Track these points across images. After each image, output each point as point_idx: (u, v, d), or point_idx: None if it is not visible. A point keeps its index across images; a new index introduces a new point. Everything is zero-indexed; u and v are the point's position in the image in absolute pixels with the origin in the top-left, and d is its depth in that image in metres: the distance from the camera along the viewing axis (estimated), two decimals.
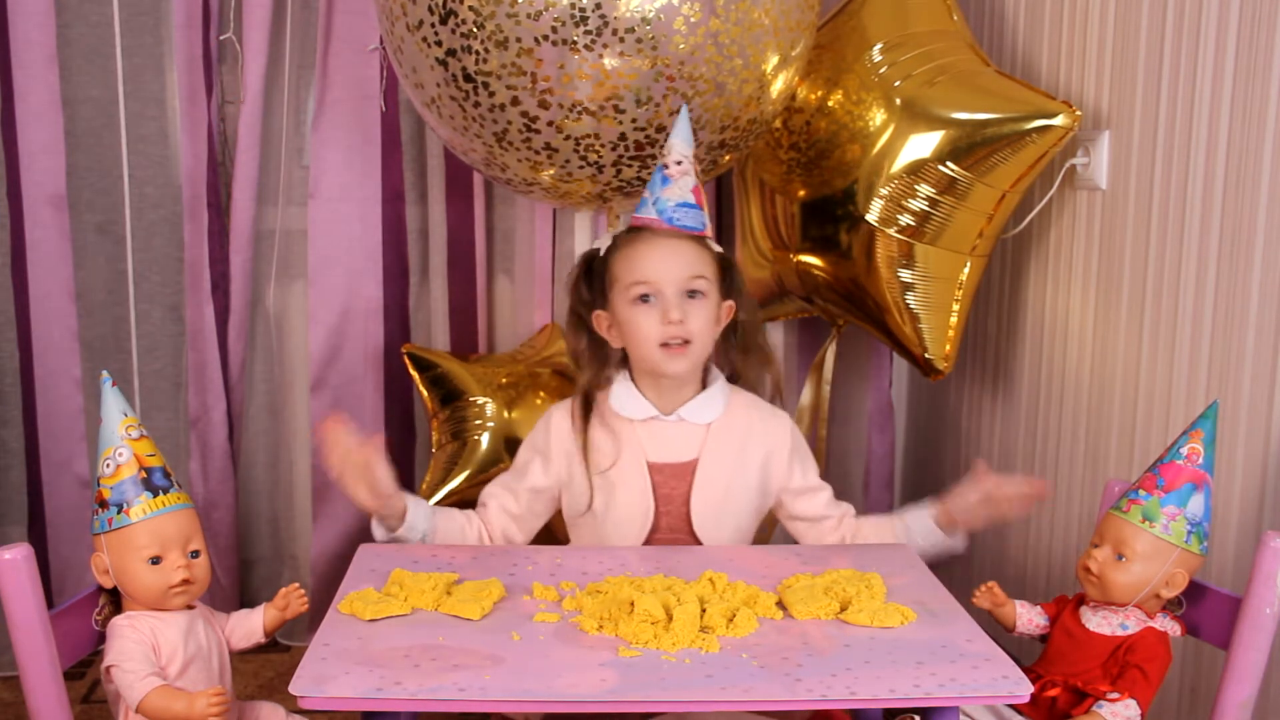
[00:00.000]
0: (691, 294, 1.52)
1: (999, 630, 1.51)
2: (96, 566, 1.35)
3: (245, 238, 2.25)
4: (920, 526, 1.58)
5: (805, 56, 1.85)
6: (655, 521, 1.57)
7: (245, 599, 2.41)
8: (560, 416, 1.60)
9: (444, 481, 2.04)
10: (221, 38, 2.22)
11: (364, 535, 2.24)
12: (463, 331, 2.38)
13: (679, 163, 1.54)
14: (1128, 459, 1.84)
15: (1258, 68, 1.55)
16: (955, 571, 2.38)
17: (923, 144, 1.86)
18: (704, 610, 1.24)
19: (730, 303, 1.58)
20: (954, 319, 1.97)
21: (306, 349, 2.33)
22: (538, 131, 1.70)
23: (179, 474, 1.92)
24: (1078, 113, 1.80)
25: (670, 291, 1.50)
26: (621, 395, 1.57)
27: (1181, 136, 1.69)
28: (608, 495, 1.56)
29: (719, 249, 1.58)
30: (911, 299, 1.95)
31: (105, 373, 1.39)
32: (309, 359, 2.32)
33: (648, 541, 1.57)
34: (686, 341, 1.51)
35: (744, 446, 1.58)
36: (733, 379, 1.63)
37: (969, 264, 1.95)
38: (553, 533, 2.09)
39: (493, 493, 1.62)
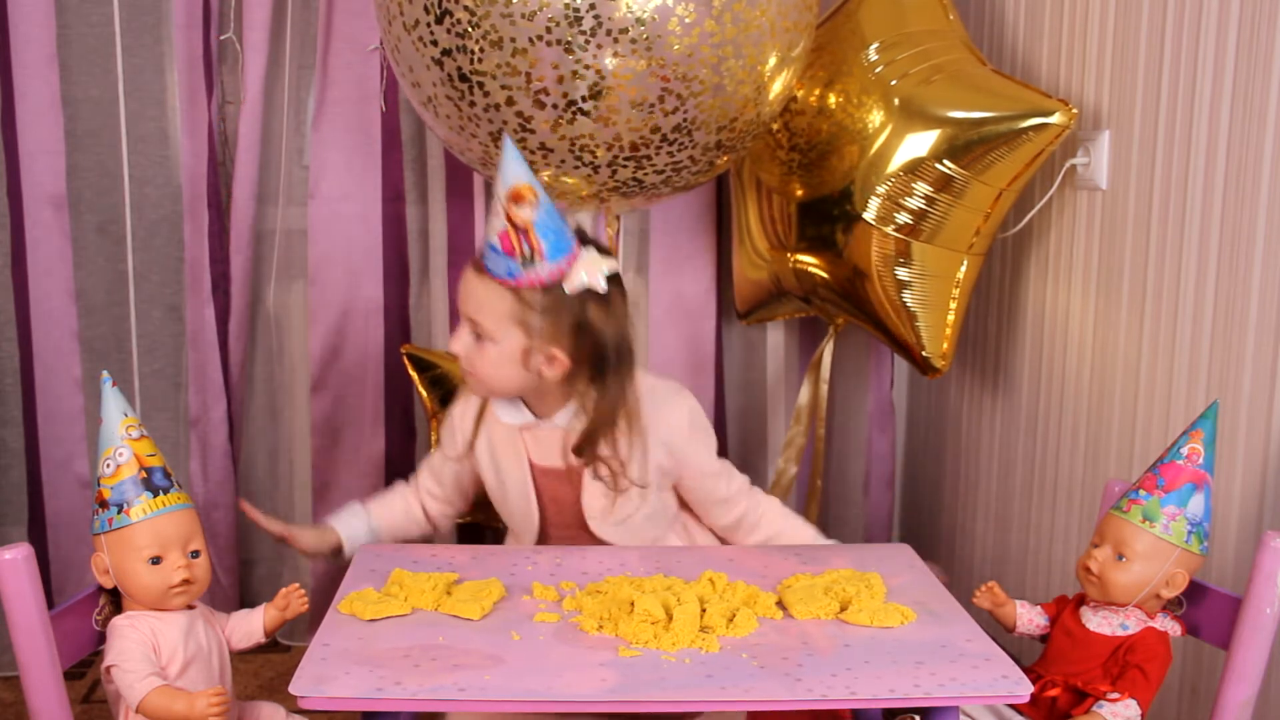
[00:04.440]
0: (478, 335, 1.45)
1: (999, 630, 1.51)
2: (96, 566, 1.35)
3: (245, 238, 2.25)
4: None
5: (804, 58, 1.85)
6: (543, 523, 1.58)
7: (245, 599, 2.41)
8: (464, 403, 1.61)
9: None
10: (221, 38, 2.23)
11: None
12: None
13: (498, 199, 1.40)
14: (1128, 459, 1.84)
15: (1258, 67, 1.55)
16: (955, 571, 2.38)
17: (919, 142, 1.86)
18: (704, 610, 1.24)
19: (557, 352, 1.44)
20: (951, 317, 1.98)
21: (306, 349, 2.33)
22: (533, 131, 1.70)
23: (179, 474, 1.92)
24: (1074, 110, 1.80)
25: (463, 323, 1.47)
26: (502, 401, 1.55)
27: (1181, 136, 1.69)
28: (501, 492, 1.58)
29: (545, 296, 1.42)
30: (909, 297, 1.95)
31: (105, 373, 1.39)
32: (309, 359, 2.32)
33: (541, 539, 1.59)
34: (469, 372, 1.48)
35: (635, 447, 1.52)
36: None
37: (966, 262, 1.96)
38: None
39: (422, 471, 1.68)
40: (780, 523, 1.63)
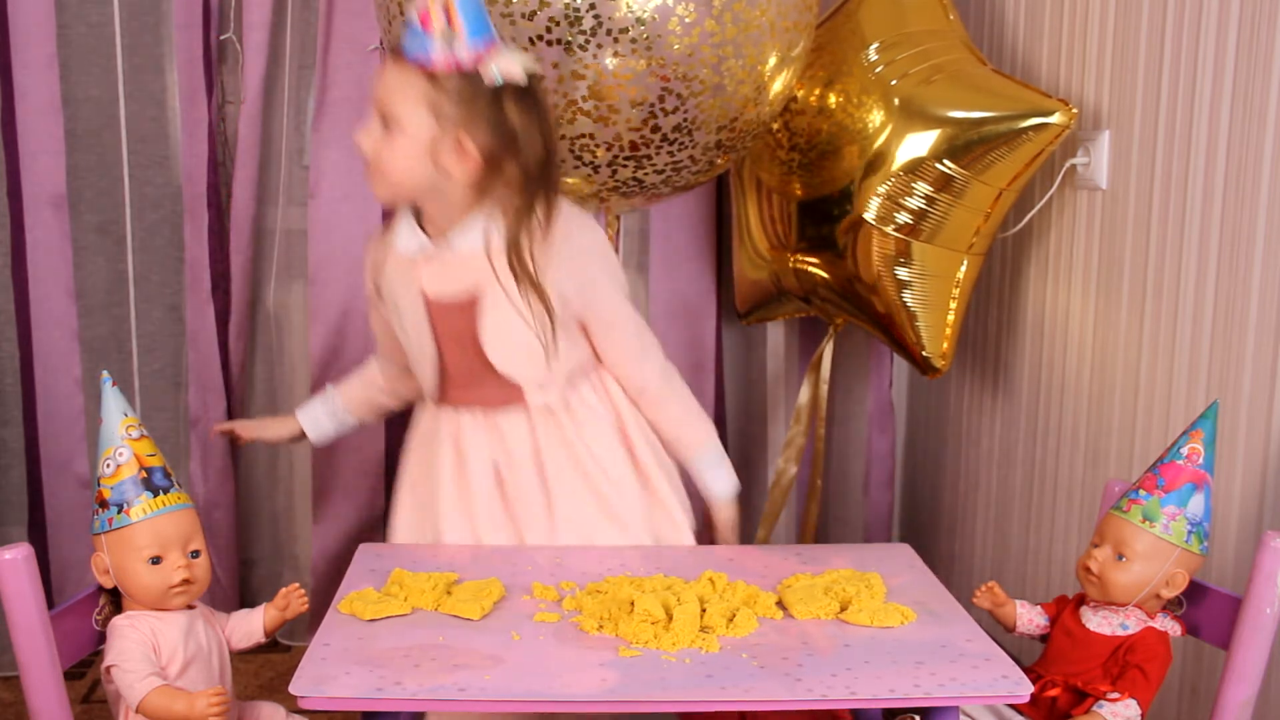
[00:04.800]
0: (387, 125, 1.39)
1: (999, 630, 1.51)
2: (96, 566, 1.35)
3: (245, 238, 2.25)
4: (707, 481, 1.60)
5: (804, 58, 1.85)
6: (442, 363, 1.51)
7: (245, 599, 2.41)
8: (373, 246, 1.58)
9: None
10: (222, 38, 2.23)
11: (364, 535, 2.25)
12: None
13: None
14: (1128, 459, 1.84)
15: (1258, 68, 1.55)
16: (955, 571, 2.39)
17: (920, 142, 1.86)
18: (704, 610, 1.24)
19: (466, 140, 1.38)
20: (951, 317, 1.98)
21: (306, 349, 2.33)
22: None
23: (179, 474, 1.92)
24: (1074, 110, 1.80)
25: (373, 115, 1.40)
26: (401, 229, 1.50)
27: (1181, 136, 1.69)
28: (404, 335, 1.54)
29: (460, 81, 1.38)
30: (909, 297, 1.95)
31: (105, 373, 1.39)
32: (309, 359, 2.32)
33: (442, 384, 1.53)
34: (372, 167, 1.42)
35: (542, 265, 1.44)
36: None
37: (966, 262, 1.96)
38: None
39: (369, 362, 1.72)
40: (677, 430, 1.58)
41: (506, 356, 1.48)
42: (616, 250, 2.11)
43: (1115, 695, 1.36)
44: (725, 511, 1.62)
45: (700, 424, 1.61)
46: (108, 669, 1.30)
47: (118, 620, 1.33)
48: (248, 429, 1.77)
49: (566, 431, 1.52)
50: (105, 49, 2.21)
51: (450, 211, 1.45)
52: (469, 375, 1.51)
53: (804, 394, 2.29)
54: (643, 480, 1.56)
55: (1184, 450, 1.39)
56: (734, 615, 1.24)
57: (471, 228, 1.44)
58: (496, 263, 1.43)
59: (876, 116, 1.90)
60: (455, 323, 1.48)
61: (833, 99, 1.96)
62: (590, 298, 1.49)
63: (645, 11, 1.60)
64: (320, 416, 1.73)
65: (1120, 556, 1.39)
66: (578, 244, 1.47)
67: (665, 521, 1.57)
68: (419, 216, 1.49)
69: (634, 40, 1.61)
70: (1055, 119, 1.79)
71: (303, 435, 1.73)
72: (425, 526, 1.55)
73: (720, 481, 1.61)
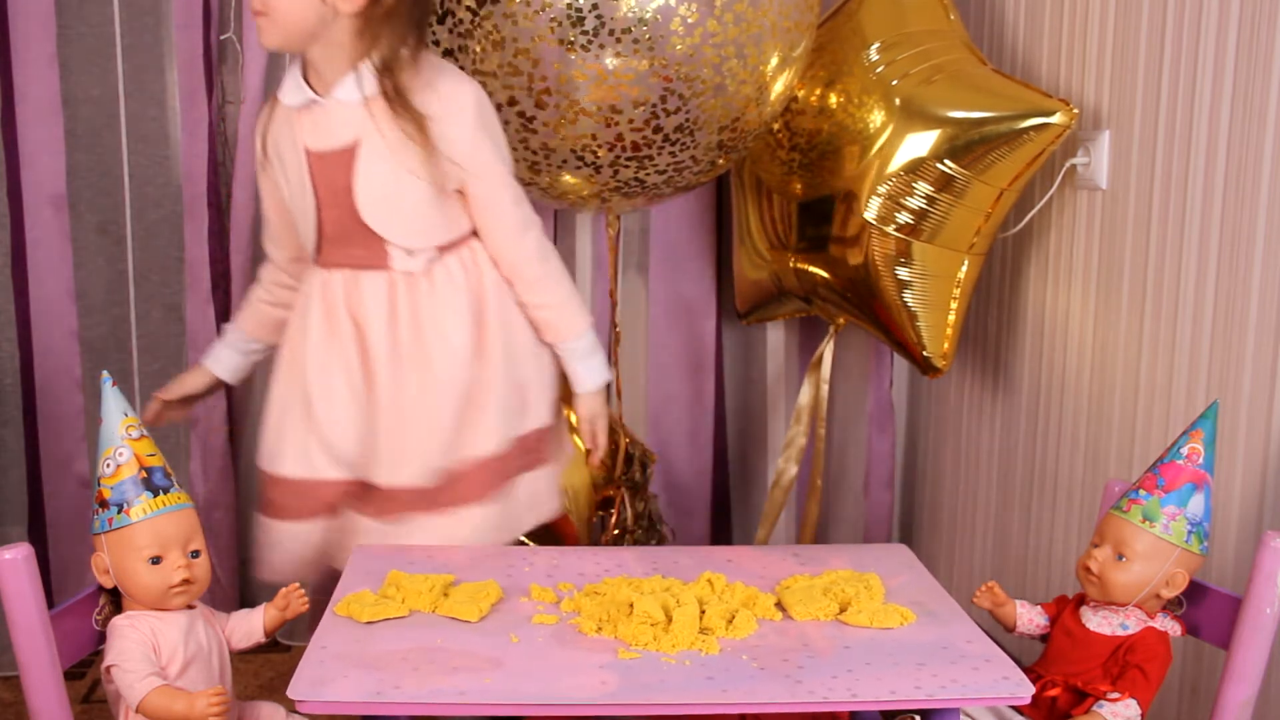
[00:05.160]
0: None
1: (999, 630, 1.51)
2: (96, 566, 1.35)
3: (245, 238, 2.25)
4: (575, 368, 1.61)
5: (805, 58, 1.85)
6: (320, 220, 1.52)
7: (245, 599, 2.41)
8: (263, 114, 1.58)
9: None
10: (222, 38, 2.22)
11: None
12: None
13: None
14: (1128, 459, 1.84)
15: (1258, 68, 1.55)
16: (955, 571, 2.39)
17: (920, 142, 1.86)
18: (703, 612, 1.24)
19: None
20: (952, 317, 1.97)
21: None
22: (535, 131, 1.70)
23: (179, 474, 1.92)
24: (1075, 110, 1.80)
25: None
26: (287, 82, 1.52)
27: (1181, 136, 1.69)
28: (288, 189, 1.55)
29: None
30: (909, 297, 1.95)
31: (105, 373, 1.39)
32: None
33: (320, 244, 1.54)
34: (261, 13, 1.43)
35: (423, 111, 1.45)
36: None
37: (966, 262, 1.95)
38: (551, 533, 2.09)
39: (259, 276, 1.73)
40: (547, 314, 1.58)
41: (378, 211, 1.49)
42: (616, 250, 2.11)
43: (1115, 695, 1.36)
44: (587, 404, 1.62)
45: (572, 313, 1.59)
46: (108, 669, 1.30)
47: (118, 620, 1.33)
48: (166, 392, 1.75)
49: (421, 297, 1.52)
50: (105, 49, 2.20)
51: (336, 60, 1.47)
52: (342, 233, 1.52)
53: (804, 394, 2.29)
54: (487, 358, 1.54)
55: (1184, 450, 1.39)
56: (733, 617, 1.24)
57: (354, 77, 1.46)
58: (374, 109, 1.45)
59: (877, 116, 1.90)
60: (333, 175, 1.49)
61: (833, 99, 1.96)
62: (471, 157, 1.49)
63: (647, 12, 1.60)
64: (223, 355, 1.74)
65: (1120, 556, 1.39)
66: (460, 101, 1.48)
67: (507, 404, 1.55)
68: (306, 72, 1.50)
69: (636, 40, 1.61)
70: (1056, 119, 1.79)
71: (219, 382, 1.75)
72: (294, 388, 1.56)
73: (587, 373, 1.60)
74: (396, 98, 1.45)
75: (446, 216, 1.53)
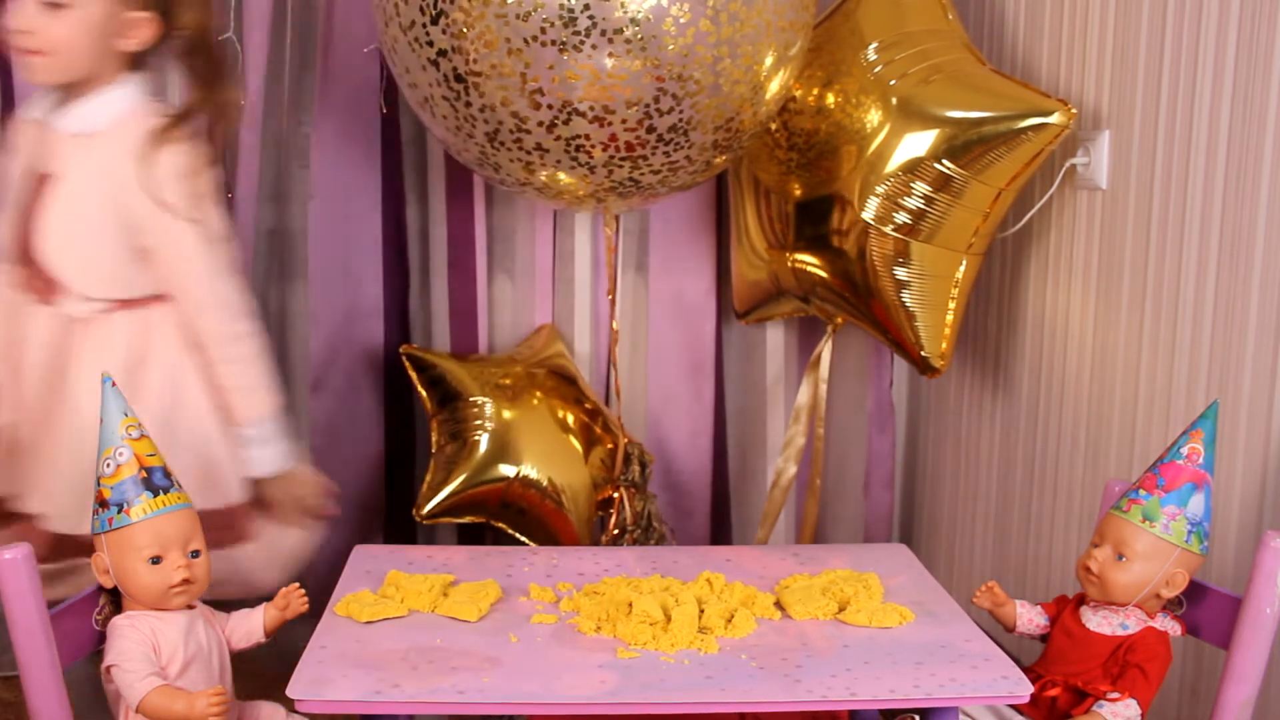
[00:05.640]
0: (52, 4, 1.39)
1: (999, 630, 1.51)
2: (96, 566, 1.35)
3: (245, 238, 2.25)
4: None
5: (801, 57, 1.85)
6: (21, 236, 1.48)
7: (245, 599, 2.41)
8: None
9: (445, 482, 2.04)
10: (221, 38, 2.22)
11: (362, 537, 2.24)
12: (463, 332, 2.38)
13: None
14: (1128, 459, 1.84)
15: (1258, 67, 1.55)
16: (955, 571, 2.39)
17: (918, 142, 1.86)
18: (702, 611, 1.24)
19: (147, 14, 1.43)
20: (950, 317, 1.98)
21: (306, 349, 2.33)
22: (528, 131, 1.70)
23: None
24: (1073, 110, 1.80)
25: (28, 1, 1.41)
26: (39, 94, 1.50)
27: (1181, 136, 1.69)
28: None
29: None
30: (907, 297, 1.95)
31: (105, 372, 1.39)
32: (309, 359, 2.31)
33: (15, 259, 1.49)
34: (38, 52, 1.41)
35: (125, 165, 1.41)
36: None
37: (965, 262, 1.95)
38: (550, 533, 2.09)
39: None
40: (225, 396, 1.54)
41: (58, 248, 1.45)
42: (616, 250, 2.11)
43: (1115, 695, 1.36)
44: (277, 487, 1.56)
45: (250, 399, 1.55)
46: (108, 669, 1.30)
47: (118, 620, 1.33)
48: None
49: (77, 345, 1.48)
50: None
51: (95, 79, 1.45)
52: (30, 257, 1.48)
53: (803, 394, 2.29)
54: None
55: (1184, 450, 1.39)
56: (732, 616, 1.24)
57: (83, 105, 1.45)
58: (97, 149, 1.42)
59: (875, 116, 1.90)
60: (28, 202, 1.46)
61: (831, 99, 1.96)
62: (160, 225, 1.46)
63: (640, 12, 1.60)
64: None
65: (1120, 556, 1.39)
66: (170, 164, 1.46)
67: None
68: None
69: (629, 41, 1.61)
70: (1055, 119, 1.79)
71: None
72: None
73: (256, 461, 1.55)
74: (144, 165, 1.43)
75: (133, 273, 1.50)
